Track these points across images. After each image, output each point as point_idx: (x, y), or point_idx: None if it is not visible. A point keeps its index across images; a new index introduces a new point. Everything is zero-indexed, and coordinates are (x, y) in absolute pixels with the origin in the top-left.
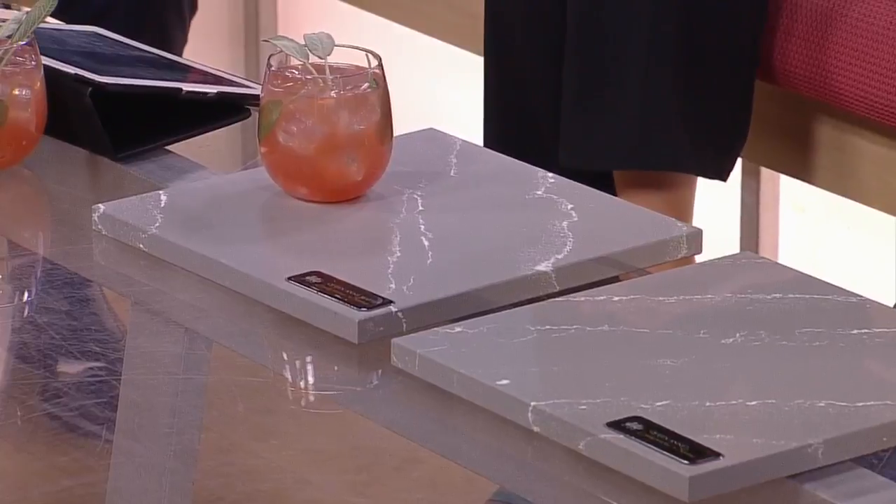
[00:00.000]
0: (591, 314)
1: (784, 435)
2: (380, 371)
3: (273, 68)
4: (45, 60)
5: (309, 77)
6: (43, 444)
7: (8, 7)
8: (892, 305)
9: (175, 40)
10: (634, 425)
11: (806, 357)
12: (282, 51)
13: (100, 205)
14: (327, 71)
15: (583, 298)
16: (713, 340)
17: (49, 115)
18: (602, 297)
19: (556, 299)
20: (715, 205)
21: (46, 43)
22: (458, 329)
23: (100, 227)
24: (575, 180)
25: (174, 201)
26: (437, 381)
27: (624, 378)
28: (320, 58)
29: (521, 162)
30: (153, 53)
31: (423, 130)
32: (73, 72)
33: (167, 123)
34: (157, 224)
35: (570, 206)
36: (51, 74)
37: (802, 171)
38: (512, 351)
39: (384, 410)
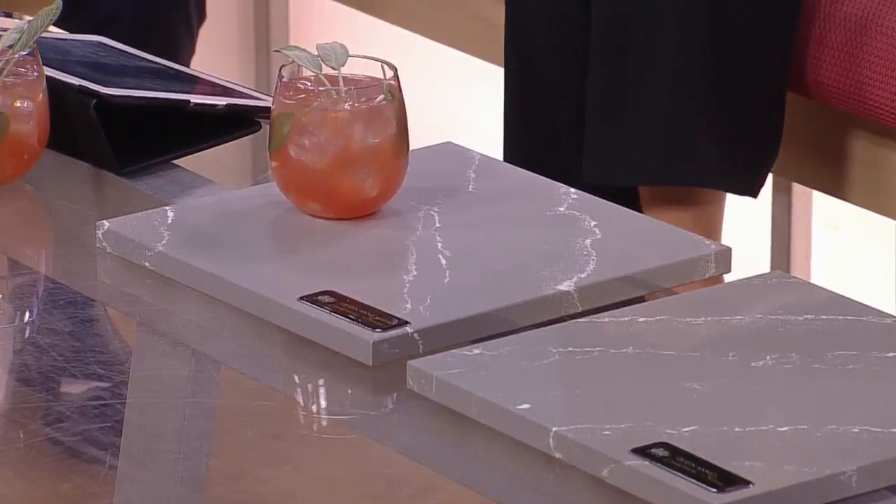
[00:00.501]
0: (615, 335)
1: (816, 462)
2: (395, 394)
3: (284, 79)
4: (48, 71)
5: (322, 89)
6: (45, 470)
7: (9, 16)
8: None
9: (183, 50)
10: (660, 451)
11: (839, 380)
12: (294, 61)
13: (104, 221)
14: (341, 82)
15: (607, 319)
16: (743, 363)
17: (52, 129)
18: (627, 318)
19: (579, 320)
20: (744, 222)
21: (49, 53)
22: (476, 351)
23: (104, 244)
24: (599, 196)
25: (181, 218)
26: (454, 405)
27: (649, 402)
28: (334, 69)
29: (542, 177)
30: (160, 64)
31: (441, 144)
32: (76, 83)
33: (174, 137)
34: (164, 241)
35: (593, 223)
36: (54, 86)
37: (836, 187)
38: (533, 374)
39: (399, 436)
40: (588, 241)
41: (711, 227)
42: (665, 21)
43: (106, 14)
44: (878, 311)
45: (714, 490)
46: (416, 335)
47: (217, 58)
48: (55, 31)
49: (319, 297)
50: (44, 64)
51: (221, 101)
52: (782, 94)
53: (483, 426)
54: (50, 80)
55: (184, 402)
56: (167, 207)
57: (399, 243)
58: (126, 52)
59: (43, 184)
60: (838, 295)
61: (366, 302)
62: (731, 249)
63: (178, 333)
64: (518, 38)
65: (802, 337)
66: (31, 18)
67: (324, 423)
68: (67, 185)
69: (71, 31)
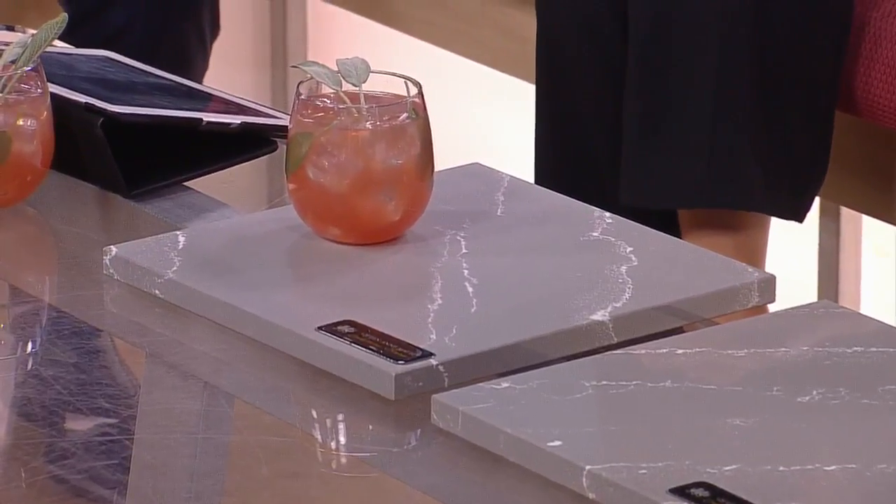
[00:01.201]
0: (652, 368)
1: (866, 503)
2: (419, 430)
3: (302, 97)
4: (53, 88)
5: (342, 106)
6: None
7: (12, 29)
8: None
9: (195, 65)
10: (700, 492)
11: (890, 417)
12: (312, 77)
13: (111, 247)
14: (362, 100)
15: (643, 351)
16: (788, 398)
17: (56, 149)
18: (665, 350)
19: (614, 352)
20: (790, 248)
21: (54, 69)
22: (505, 384)
23: (111, 271)
24: (635, 220)
25: (193, 243)
26: (481, 441)
27: (689, 439)
28: (354, 85)
29: (575, 200)
30: (171, 80)
31: (468, 165)
32: (83, 100)
33: (186, 157)
34: (175, 268)
35: (629, 250)
36: (58, 103)
37: (886, 211)
38: (565, 409)
39: (423, 474)
40: (624, 269)
41: (755, 254)
42: (707, 35)
43: (114, 27)
44: None
45: None
46: (440, 367)
47: (231, 73)
48: (60, 46)
49: (339, 327)
50: (48, 80)
51: (235, 120)
52: (830, 112)
53: (512, 464)
54: (54, 97)
55: (195, 438)
56: (178, 232)
57: (423, 270)
58: (135, 68)
59: (47, 207)
60: (889, 326)
61: (388, 332)
62: (775, 277)
63: (190, 365)
64: (550, 52)
65: (851, 370)
66: (34, 32)
67: (343, 460)
68: (73, 208)
69: (77, 46)
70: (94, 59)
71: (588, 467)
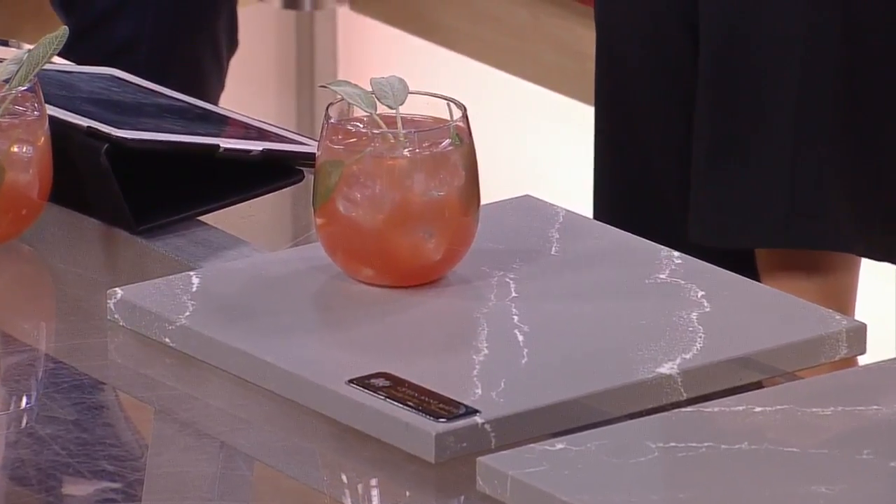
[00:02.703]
0: (726, 428)
1: None
2: (462, 497)
3: (332, 120)
4: (51, 110)
5: (376, 132)
6: None
7: (6, 44)
8: None
9: (210, 84)
10: None
11: None
12: (343, 99)
13: (117, 289)
14: (399, 124)
15: (716, 409)
16: (879, 462)
17: (55, 178)
18: (741, 408)
19: (684, 409)
20: (882, 294)
21: (53, 88)
22: (559, 446)
23: (116, 316)
24: (707, 261)
25: (208, 285)
26: None
27: None
28: (391, 108)
29: (639, 238)
30: (183, 101)
31: (518, 198)
32: (85, 124)
33: (200, 188)
34: (188, 313)
35: (700, 294)
36: (58, 128)
37: None
38: (627, 473)
39: None
40: (694, 315)
41: (843, 300)
42: (787, 51)
43: (119, 41)
44: None
45: None
46: (487, 426)
47: (251, 94)
48: (59, 63)
49: (372, 381)
50: (46, 101)
51: (256, 146)
52: None
53: None
54: (53, 120)
55: None
56: (191, 273)
57: (467, 316)
58: (143, 87)
59: (44, 244)
60: None
61: (427, 386)
62: (865, 326)
63: (204, 423)
64: (611, 70)
65: None
66: (31, 47)
67: None
68: (73, 245)
69: (78, 62)
70: (98, 78)
71: None
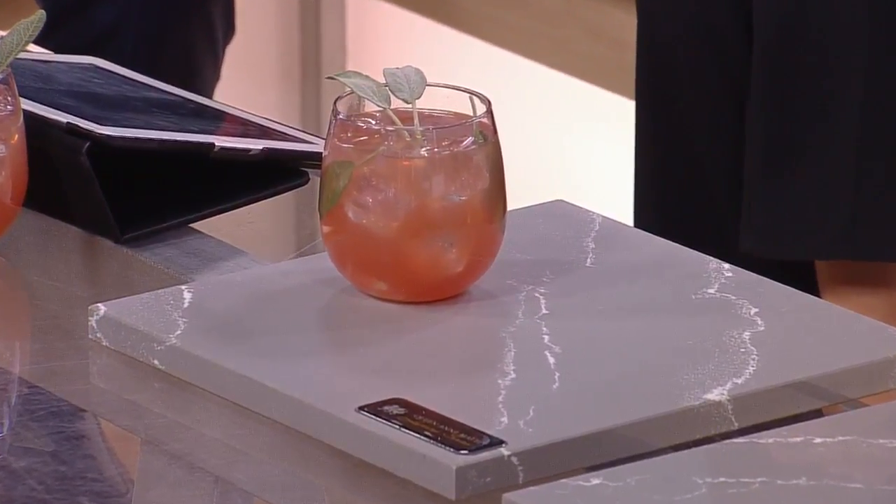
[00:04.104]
0: (783, 462)
1: None
2: None
3: (341, 116)
4: (26, 104)
5: (390, 128)
6: None
7: None
8: None
9: (204, 75)
10: None
11: None
12: (352, 92)
13: (99, 305)
14: (416, 120)
15: (771, 440)
16: None
17: (31, 181)
18: (798, 439)
19: (735, 440)
20: None
21: (28, 80)
22: (595, 481)
23: (99, 335)
24: (761, 273)
25: (202, 300)
26: None
27: None
28: (406, 102)
29: (685, 248)
30: (174, 94)
31: (549, 203)
32: (64, 120)
33: (193, 192)
34: (179, 332)
35: (754, 311)
36: (33, 124)
37: None
38: None
39: None
40: (747, 335)
41: None
42: (851, 42)
43: (102, 27)
44: None
45: None
46: (514, 459)
47: (250, 86)
48: (36, 51)
49: (385, 408)
50: (21, 94)
51: (256, 145)
52: None
53: None
54: (28, 115)
55: None
56: (183, 287)
57: (492, 336)
58: (129, 79)
59: (19, 254)
60: None
61: (447, 414)
62: None
63: (197, 455)
64: (654, 60)
65: None
66: (3, 34)
67: None
68: (51, 256)
69: (57, 50)
70: (79, 68)
71: None
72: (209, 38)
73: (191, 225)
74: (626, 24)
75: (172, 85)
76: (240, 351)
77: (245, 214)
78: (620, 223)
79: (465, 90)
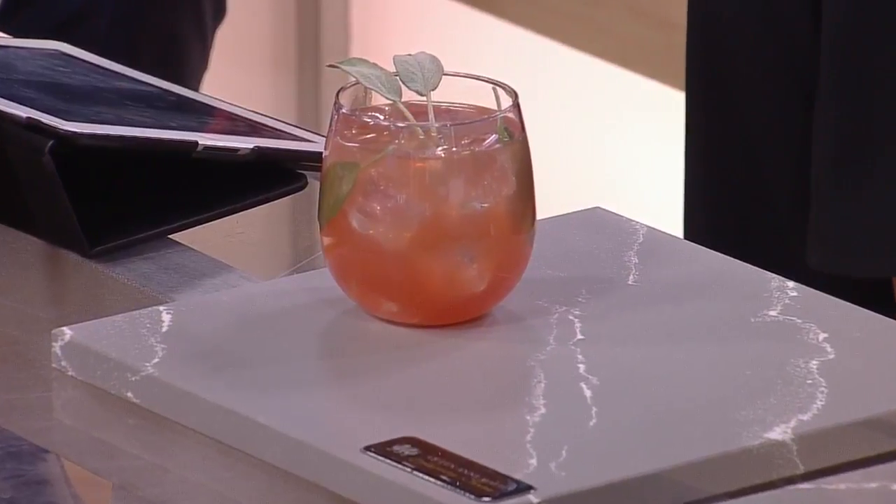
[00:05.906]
0: None
1: None
2: None
3: (344, 110)
4: None
5: (401, 125)
6: None
7: None
8: None
9: (189, 63)
10: None
11: None
12: (357, 82)
13: (64, 329)
14: (431, 115)
15: (843, 486)
16: None
17: None
18: (874, 485)
19: (800, 486)
20: None
21: None
22: None
23: (64, 363)
24: (831, 293)
25: (183, 323)
26: None
27: None
28: (420, 94)
29: (743, 263)
30: (153, 86)
31: (586, 210)
32: (24, 114)
33: (173, 198)
34: (156, 360)
35: (822, 336)
36: None
37: None
38: None
39: None
40: (814, 364)
41: None
42: None
43: (72, 7)
44: None
45: None
46: None
47: (241, 76)
48: None
49: (396, 448)
50: None
51: (246, 144)
52: None
53: None
54: None
55: None
56: (161, 307)
57: (520, 364)
58: (100, 67)
59: None
60: None
61: (467, 455)
62: None
63: (177, 502)
64: (708, 48)
65: None
66: None
67: None
68: (10, 272)
69: (17, 34)
70: (42, 55)
71: None
72: (196, 20)
73: (170, 236)
74: (675, 4)
75: (153, 74)
76: (227, 382)
77: (233, 224)
78: (668, 234)
79: (487, 80)
